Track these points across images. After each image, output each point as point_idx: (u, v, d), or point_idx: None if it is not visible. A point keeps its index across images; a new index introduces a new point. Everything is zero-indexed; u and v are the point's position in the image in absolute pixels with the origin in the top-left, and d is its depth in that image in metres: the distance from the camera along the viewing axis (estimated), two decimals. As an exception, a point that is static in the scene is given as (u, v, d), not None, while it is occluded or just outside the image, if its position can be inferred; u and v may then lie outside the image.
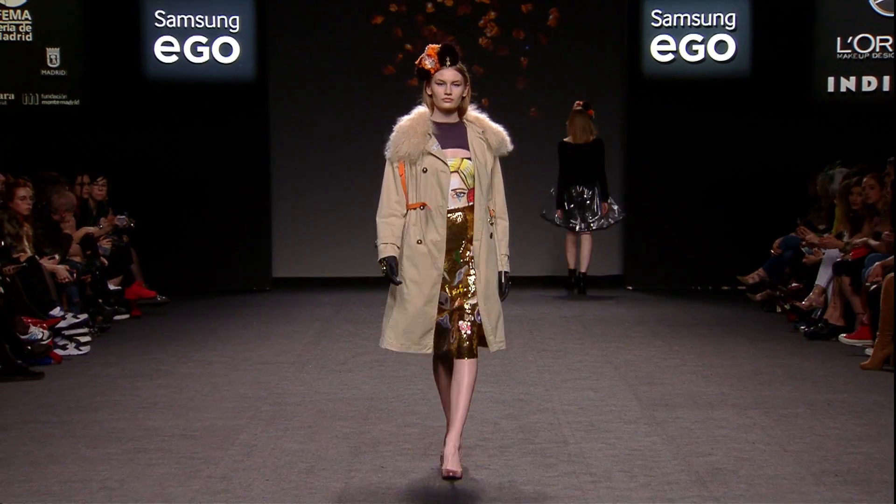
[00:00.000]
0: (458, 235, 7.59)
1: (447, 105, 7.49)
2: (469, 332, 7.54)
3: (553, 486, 7.65)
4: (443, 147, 7.50)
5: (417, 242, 7.51)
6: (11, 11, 17.21)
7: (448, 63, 7.46)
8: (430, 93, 7.54)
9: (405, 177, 7.51)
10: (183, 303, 16.23)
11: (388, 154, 7.52)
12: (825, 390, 10.63)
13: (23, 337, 11.70)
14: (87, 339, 12.80)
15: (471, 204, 7.56)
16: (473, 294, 7.58)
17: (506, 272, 7.74)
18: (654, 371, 11.49)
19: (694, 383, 10.90)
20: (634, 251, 17.71)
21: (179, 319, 15.02)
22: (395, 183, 7.53)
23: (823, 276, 13.55)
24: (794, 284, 14.48)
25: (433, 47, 7.51)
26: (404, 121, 7.56)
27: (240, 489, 7.68)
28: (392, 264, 7.52)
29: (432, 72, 7.48)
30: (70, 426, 9.44)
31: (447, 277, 7.56)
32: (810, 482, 7.79)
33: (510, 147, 7.62)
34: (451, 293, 7.57)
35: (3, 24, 17.17)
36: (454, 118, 7.59)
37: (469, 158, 7.52)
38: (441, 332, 7.57)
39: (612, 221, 16.48)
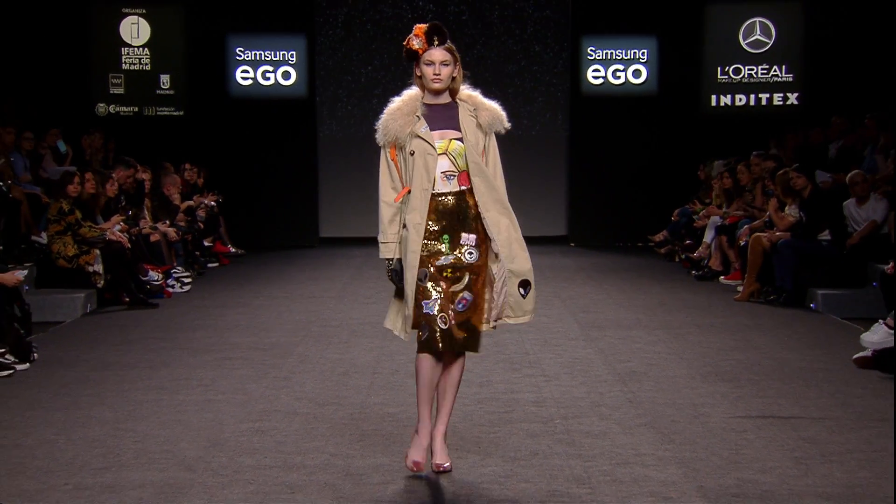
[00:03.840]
0: (449, 219, 5.44)
1: (437, 86, 5.43)
2: (452, 322, 5.38)
3: (518, 383, 7.65)
4: (432, 128, 5.42)
5: (404, 227, 5.46)
6: (136, 49, 17.21)
7: (436, 42, 5.42)
8: (419, 74, 5.48)
9: (398, 161, 5.49)
10: (255, 255, 16.23)
11: (378, 139, 5.52)
12: (709, 316, 10.65)
13: (144, 278, 11.70)
14: (189, 280, 12.81)
15: (463, 188, 5.44)
16: (461, 281, 5.42)
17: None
18: (588, 303, 11.51)
19: (617, 311, 10.92)
20: (576, 218, 17.67)
21: (252, 267, 15.02)
22: (388, 169, 5.52)
23: (708, 235, 13.65)
24: (687, 242, 14.56)
25: (420, 27, 5.46)
26: (394, 102, 5.53)
27: (296, 386, 7.69)
28: (397, 269, 5.49)
29: (420, 52, 5.44)
30: (177, 341, 9.46)
31: (432, 256, 5.40)
32: (698, 380, 7.82)
33: (507, 124, 5.52)
34: (437, 273, 5.41)
35: (130, 58, 17.20)
36: (445, 98, 5.51)
37: (459, 139, 5.43)
38: (429, 320, 5.37)
39: None
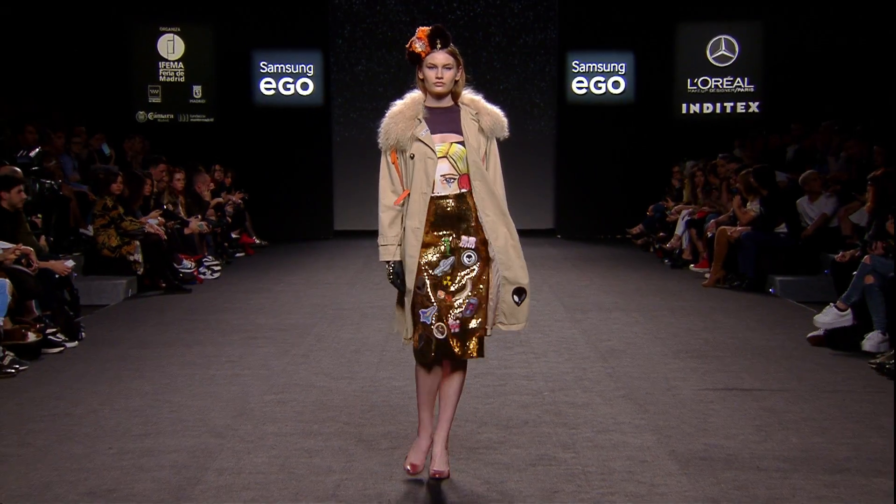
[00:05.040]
0: (449, 223, 4.83)
1: (439, 89, 4.80)
2: (457, 330, 4.78)
3: (510, 360, 7.64)
4: (433, 132, 4.81)
5: (403, 230, 4.91)
6: (172, 63, 17.18)
7: (439, 46, 4.78)
8: (421, 77, 4.85)
9: (398, 165, 4.89)
10: (276, 246, 16.19)
11: (379, 142, 4.92)
12: (680, 299, 10.64)
13: (178, 267, 11.68)
14: (218, 268, 12.79)
15: (463, 191, 4.84)
16: (463, 288, 4.82)
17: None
18: (573, 288, 11.49)
19: (598, 295, 10.90)
20: (563, 212, 17.61)
21: (274, 256, 14.99)
22: (389, 173, 4.91)
23: (680, 228, 13.57)
24: (661, 234, 14.50)
25: (423, 30, 4.82)
26: (396, 105, 4.91)
27: (313, 362, 7.68)
28: (399, 271, 4.89)
29: (423, 55, 4.79)
30: (208, 322, 9.45)
31: (430, 265, 4.83)
32: (670, 356, 7.81)
33: (506, 131, 4.96)
34: (435, 282, 4.82)
35: (166, 71, 17.17)
36: (448, 102, 4.87)
37: (461, 143, 4.82)
38: (425, 329, 4.79)
39: None
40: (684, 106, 17.25)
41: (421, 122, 4.82)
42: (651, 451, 5.44)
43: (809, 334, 8.33)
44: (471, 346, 4.81)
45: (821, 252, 11.04)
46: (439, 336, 4.76)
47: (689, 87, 17.25)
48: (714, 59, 17.19)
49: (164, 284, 11.26)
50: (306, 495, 4.81)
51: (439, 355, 4.81)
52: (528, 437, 5.71)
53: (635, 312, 9.83)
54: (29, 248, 8.42)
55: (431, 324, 4.77)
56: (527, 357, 7.76)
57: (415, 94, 4.91)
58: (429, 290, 4.80)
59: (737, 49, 17.16)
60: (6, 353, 7.47)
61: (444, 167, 4.82)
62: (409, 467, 4.98)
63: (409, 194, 4.85)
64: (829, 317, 8.19)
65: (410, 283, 4.83)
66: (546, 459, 5.30)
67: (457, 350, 4.79)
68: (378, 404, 6.42)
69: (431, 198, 4.83)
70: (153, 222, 11.52)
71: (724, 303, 10.49)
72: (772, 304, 10.48)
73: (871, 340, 7.83)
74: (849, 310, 8.09)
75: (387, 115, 4.88)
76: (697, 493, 4.80)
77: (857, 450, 5.49)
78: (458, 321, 4.78)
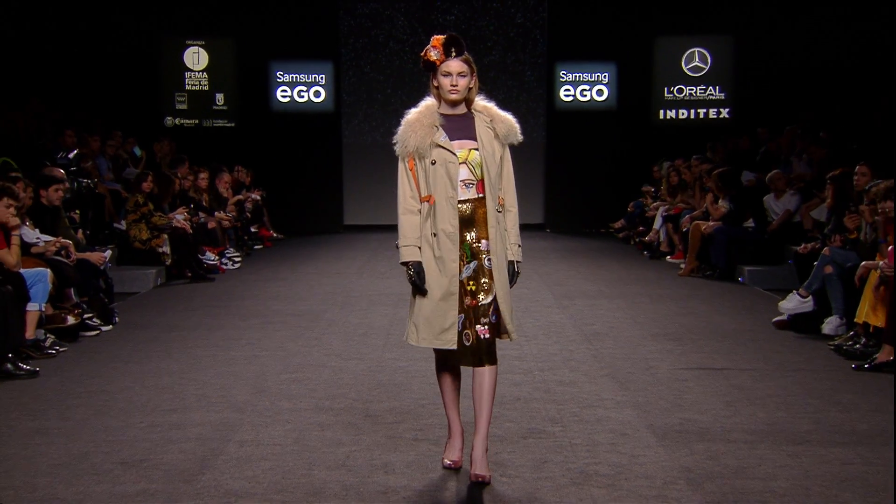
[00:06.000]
0: (468, 226, 4.50)
1: (453, 97, 4.47)
2: (487, 335, 4.50)
3: (504, 342, 7.58)
4: (451, 139, 4.48)
5: (433, 235, 4.46)
6: (197, 73, 17.09)
7: (454, 54, 4.45)
8: (436, 84, 4.51)
9: (415, 171, 4.48)
10: (291, 239, 16.14)
11: (397, 150, 4.51)
12: (658, 287, 10.63)
13: (203, 258, 11.66)
14: (239, 259, 12.77)
15: (481, 195, 4.50)
16: (488, 291, 4.50)
17: (518, 262, 4.62)
18: (561, 277, 11.47)
19: (584, 284, 10.89)
20: (551, 208, 17.54)
21: (290, 249, 14.95)
22: (407, 179, 4.49)
23: (657, 223, 13.56)
24: (640, 228, 14.47)
25: (438, 38, 4.48)
26: (411, 114, 4.53)
27: (325, 345, 7.68)
28: (419, 270, 4.50)
29: (438, 63, 4.46)
30: (229, 308, 9.44)
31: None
32: (649, 339, 7.80)
33: (520, 137, 4.59)
34: (464, 287, 4.51)
35: (192, 81, 17.08)
36: (462, 109, 4.54)
37: (477, 149, 4.49)
38: (459, 336, 4.52)
39: None
40: (662, 112, 17.20)
41: (439, 129, 4.49)
42: (631, 425, 5.44)
43: (774, 319, 8.34)
44: (495, 351, 4.55)
45: (785, 244, 11.04)
46: (466, 343, 4.50)
47: (665, 94, 17.20)
48: (688, 69, 17.15)
49: (189, 274, 11.26)
50: (319, 465, 4.81)
51: (469, 360, 4.54)
52: (520, 412, 5.71)
53: (617, 299, 9.82)
54: (68, 241, 8.44)
55: (462, 330, 4.49)
56: (518, 340, 7.74)
57: (428, 102, 4.57)
58: (460, 296, 4.49)
59: (709, 60, 17.13)
60: (48, 335, 7.49)
61: (463, 172, 4.49)
62: (449, 462, 4.71)
63: (433, 200, 4.47)
64: (793, 303, 8.19)
65: (455, 286, 4.47)
66: (536, 432, 5.30)
67: (484, 356, 4.52)
68: (384, 382, 6.42)
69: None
70: (180, 217, 11.52)
71: (698, 290, 10.49)
72: (741, 291, 10.48)
73: (830, 324, 7.85)
74: (810, 297, 8.10)
75: (403, 122, 4.53)
76: (673, 463, 4.81)
77: (818, 423, 5.50)
78: (486, 327, 4.49)
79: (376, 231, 16.64)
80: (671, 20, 16.95)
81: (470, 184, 4.50)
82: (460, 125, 4.52)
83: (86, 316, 8.11)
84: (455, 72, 4.47)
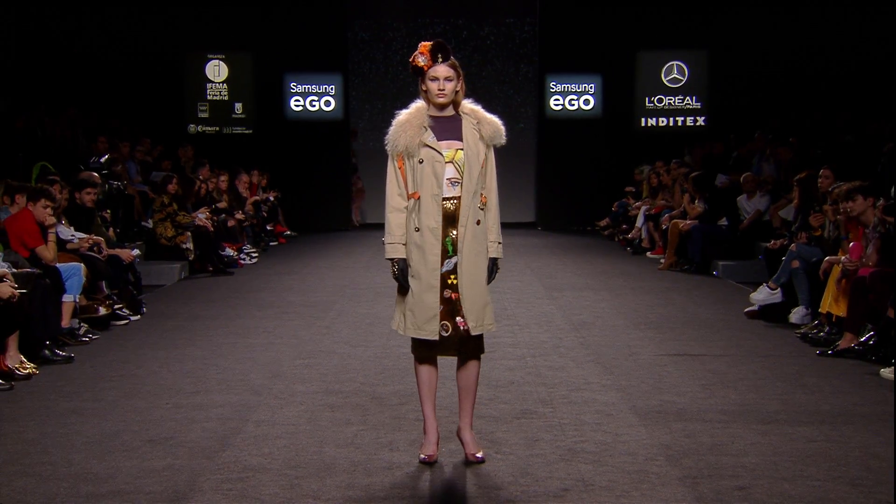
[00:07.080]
0: (452, 223, 4.34)
1: (441, 100, 4.32)
2: (466, 327, 4.33)
3: (499, 331, 7.57)
4: (438, 139, 4.34)
5: (416, 230, 4.34)
6: (217, 84, 17.06)
7: (440, 59, 4.31)
8: (424, 88, 4.36)
9: (404, 170, 4.36)
10: (305, 236, 16.12)
11: (388, 149, 4.39)
12: (639, 280, 10.62)
13: (223, 253, 11.65)
14: (256, 255, 12.75)
15: None
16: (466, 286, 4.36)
17: (497, 258, 4.45)
18: (551, 271, 11.45)
19: (572, 277, 10.88)
20: (542, 208, 17.49)
21: (303, 245, 14.93)
22: (396, 178, 4.38)
23: (639, 221, 13.53)
24: (624, 226, 14.45)
25: (425, 45, 4.35)
26: (402, 115, 4.40)
27: (335, 333, 7.67)
28: (403, 267, 4.39)
29: (425, 68, 4.32)
30: (247, 299, 9.43)
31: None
32: (632, 328, 7.80)
33: (504, 139, 4.46)
34: (445, 280, 4.36)
35: (213, 91, 17.03)
36: (450, 111, 4.39)
37: (463, 150, 4.36)
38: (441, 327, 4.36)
39: None
40: (643, 119, 17.18)
41: (427, 129, 4.34)
42: (615, 406, 5.44)
43: (746, 309, 8.33)
44: (468, 345, 4.37)
45: (755, 241, 11.03)
46: (444, 333, 4.32)
47: (647, 104, 17.17)
48: (667, 81, 17.13)
49: (211, 268, 11.25)
50: (329, 443, 4.81)
51: (448, 351, 4.37)
52: (514, 394, 5.70)
53: (603, 291, 9.81)
54: (100, 238, 8.45)
55: (441, 321, 4.32)
56: (512, 328, 7.76)
57: (418, 104, 4.42)
58: (440, 288, 4.33)
59: (686, 73, 17.12)
60: (82, 324, 7.48)
61: (450, 171, 4.34)
62: (425, 457, 4.45)
63: (419, 197, 4.34)
64: (762, 295, 8.19)
65: (436, 278, 4.32)
66: (528, 413, 5.30)
67: (469, 348, 4.36)
68: (389, 367, 6.41)
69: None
70: (202, 216, 11.51)
71: (676, 283, 10.48)
72: (715, 284, 10.48)
73: (796, 314, 7.86)
74: (778, 289, 8.09)
75: (394, 123, 4.40)
76: (653, 441, 4.81)
77: (785, 404, 5.50)
78: (464, 319, 4.31)
79: (383, 229, 16.61)
80: (652, 36, 16.93)
81: (456, 182, 4.35)
82: (448, 126, 4.37)
83: (116, 307, 8.11)
84: (442, 76, 4.32)
